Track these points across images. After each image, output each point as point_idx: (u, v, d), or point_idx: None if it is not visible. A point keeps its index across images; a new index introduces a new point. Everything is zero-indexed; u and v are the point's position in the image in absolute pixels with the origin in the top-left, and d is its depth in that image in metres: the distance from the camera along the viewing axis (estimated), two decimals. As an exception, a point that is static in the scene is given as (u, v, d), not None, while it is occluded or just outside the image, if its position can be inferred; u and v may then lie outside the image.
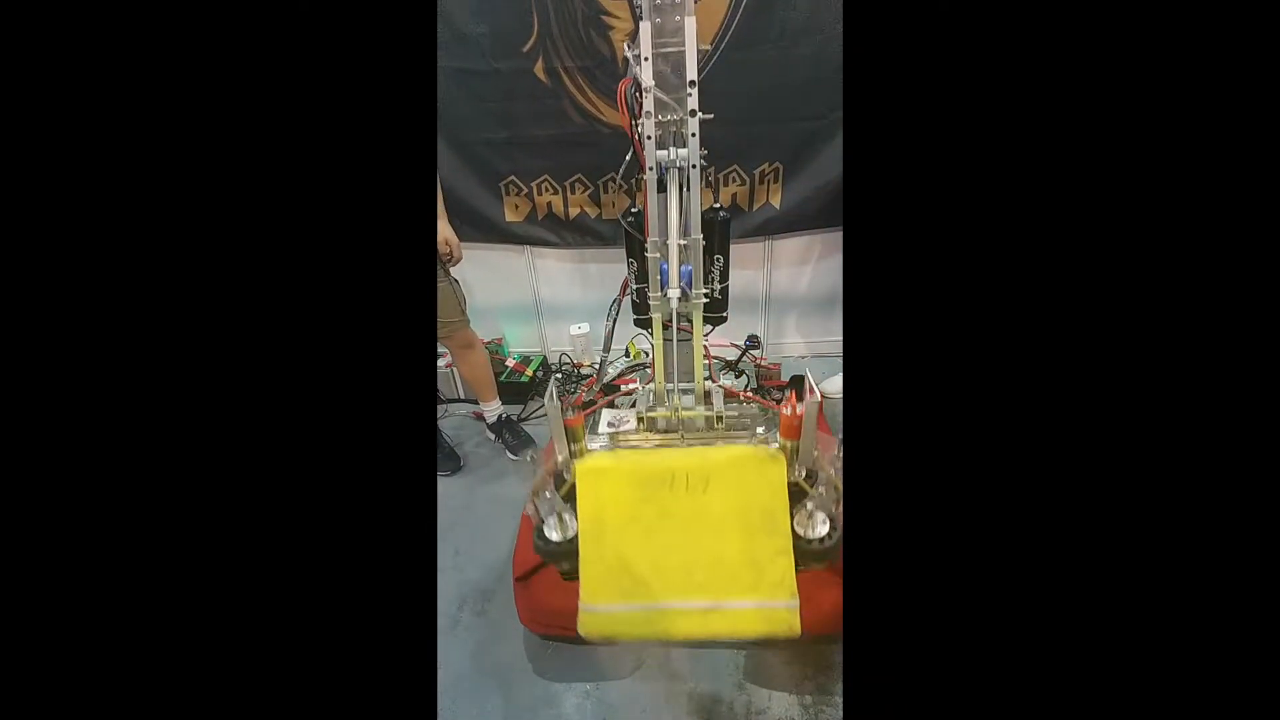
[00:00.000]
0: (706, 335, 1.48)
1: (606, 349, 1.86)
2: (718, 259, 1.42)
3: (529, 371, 2.49)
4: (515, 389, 2.44)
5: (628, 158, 1.33)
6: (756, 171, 2.19)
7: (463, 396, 2.48)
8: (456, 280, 1.94)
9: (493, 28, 2.01)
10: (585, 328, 2.54)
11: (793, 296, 2.47)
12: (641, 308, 1.47)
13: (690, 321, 1.40)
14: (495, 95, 2.11)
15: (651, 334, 1.45)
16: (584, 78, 2.06)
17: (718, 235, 1.39)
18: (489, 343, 2.53)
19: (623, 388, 1.83)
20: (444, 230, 1.88)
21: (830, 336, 2.55)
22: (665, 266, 1.34)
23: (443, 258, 1.88)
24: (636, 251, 1.41)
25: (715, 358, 1.88)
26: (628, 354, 2.39)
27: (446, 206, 2.04)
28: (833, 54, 1.92)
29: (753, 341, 2.04)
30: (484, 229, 2.35)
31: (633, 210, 1.40)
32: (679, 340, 1.44)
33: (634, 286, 1.47)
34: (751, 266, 2.40)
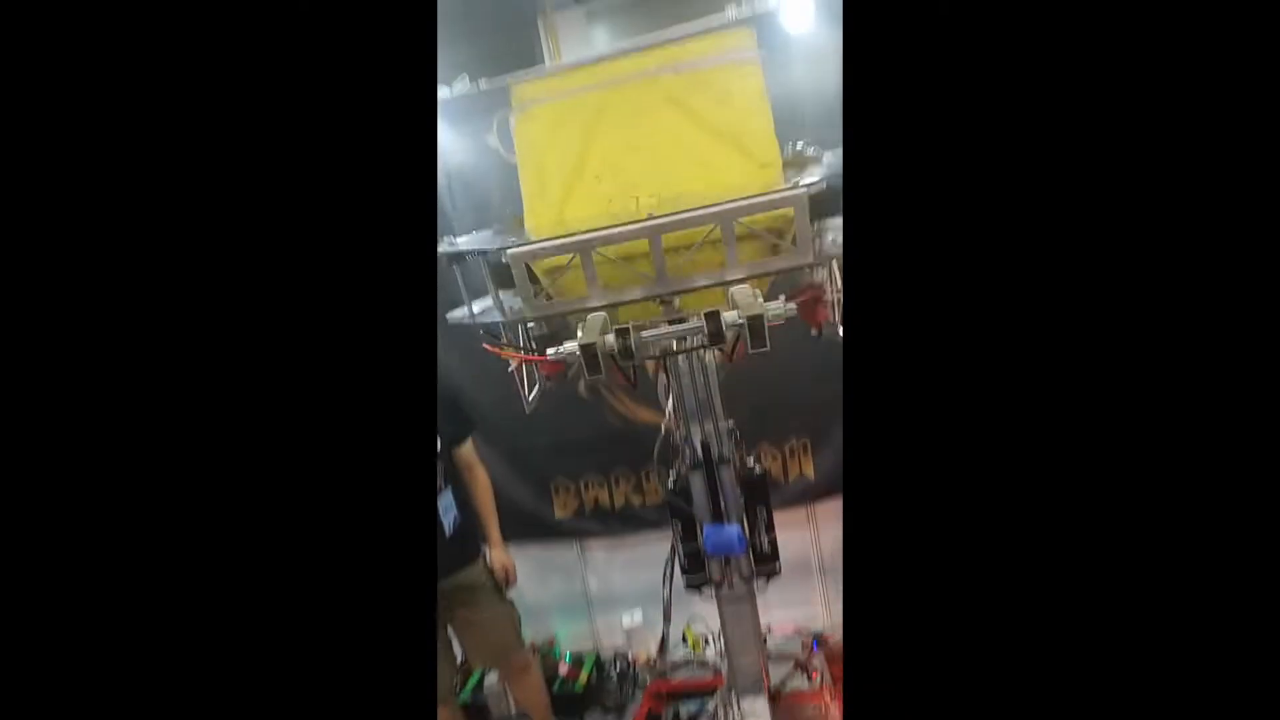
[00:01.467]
0: (762, 591, 1.52)
1: (666, 619, 1.85)
2: (760, 510, 1.54)
3: (583, 677, 2.37)
4: (569, 701, 2.31)
5: (658, 442, 1.56)
6: (786, 447, 2.41)
7: (514, 715, 2.33)
8: (512, 602, 2.03)
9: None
10: (638, 617, 2.50)
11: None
12: (693, 569, 1.54)
13: (742, 575, 1.46)
14: (543, 410, 2.46)
15: (704, 593, 1.50)
16: (619, 389, 2.44)
17: (757, 490, 1.54)
18: (540, 645, 2.47)
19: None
20: (500, 557, 2.04)
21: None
22: (709, 530, 1.47)
23: (499, 583, 2.00)
24: (681, 513, 1.55)
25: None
26: (685, 640, 2.31)
27: (501, 524, 2.17)
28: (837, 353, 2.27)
29: (818, 642, 2.02)
30: (534, 528, 2.50)
31: (674, 481, 1.58)
32: (732, 599, 1.48)
33: (682, 548, 1.56)
34: (800, 530, 2.46)
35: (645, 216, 0.81)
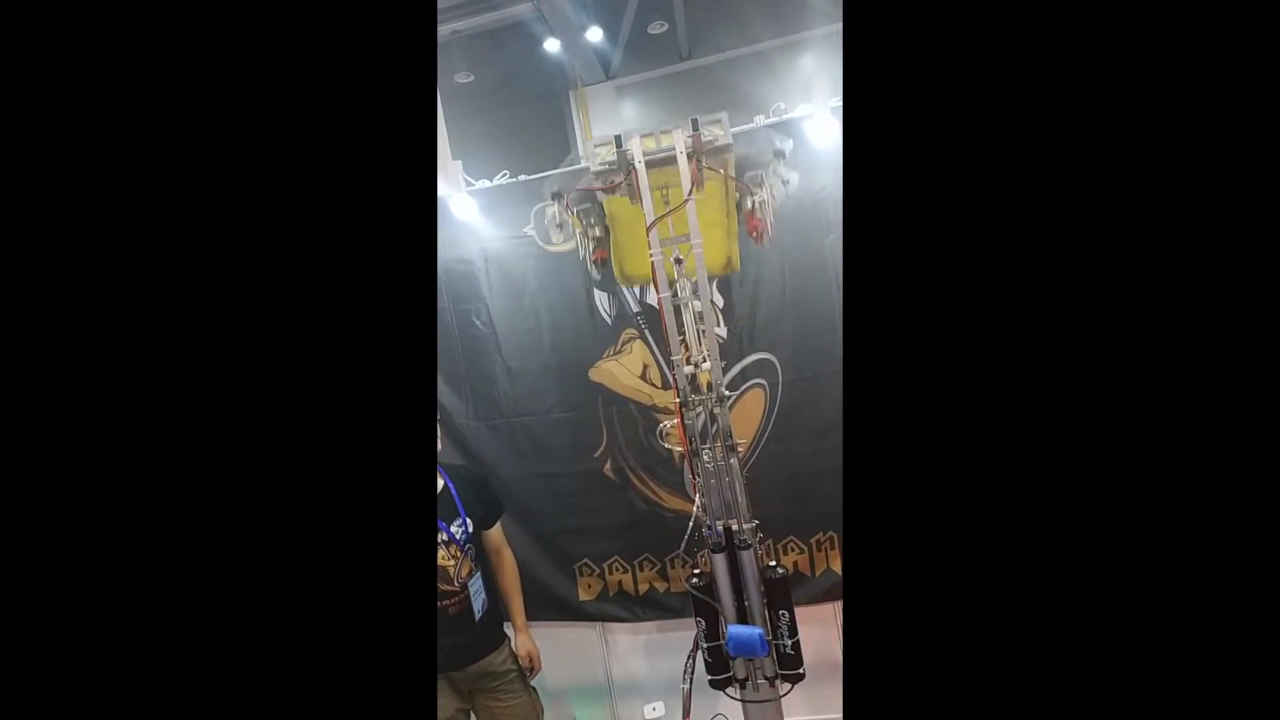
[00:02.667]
0: (786, 694, 1.49)
1: (686, 714, 1.80)
2: (783, 614, 1.52)
3: (602, 772, 2.30)
4: (586, 797, 2.23)
5: (687, 535, 1.58)
6: (812, 540, 2.37)
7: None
8: (535, 690, 2.01)
9: (571, 441, 2.49)
10: (660, 709, 2.43)
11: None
12: (716, 667, 1.52)
13: (769, 679, 1.44)
14: (570, 492, 2.49)
15: (728, 692, 1.47)
16: (646, 474, 2.46)
17: (779, 592, 1.53)
18: (560, 733, 2.42)
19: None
20: (526, 643, 2.04)
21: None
22: (733, 631, 1.46)
23: (524, 670, 1.99)
24: (704, 611, 1.54)
25: None
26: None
27: (527, 602, 2.20)
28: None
29: None
30: (558, 608, 2.48)
31: (696, 573, 1.58)
32: (756, 700, 1.45)
33: (704, 646, 1.55)
34: (826, 627, 2.39)
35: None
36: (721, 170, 1.54)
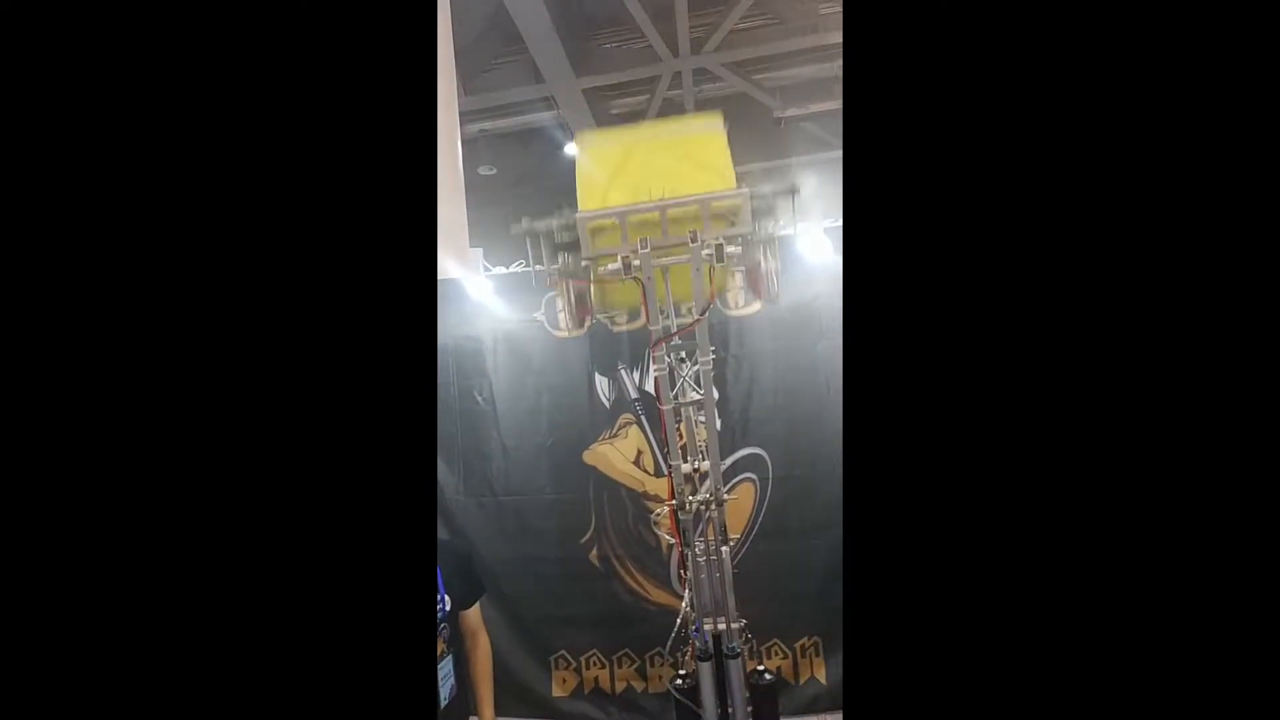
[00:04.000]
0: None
1: None
2: None
3: None
4: None
5: (674, 634, 1.56)
6: (797, 645, 2.32)
7: None
8: None
9: (560, 524, 2.48)
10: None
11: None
12: (694, 775, 1.46)
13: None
14: (554, 577, 2.45)
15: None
16: (632, 564, 2.43)
17: (766, 701, 1.49)
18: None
19: None
20: None
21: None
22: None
23: None
24: (686, 717, 1.50)
25: None
26: None
27: (498, 694, 2.10)
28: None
29: None
30: (529, 703, 2.37)
31: (681, 674, 1.54)
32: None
33: (685, 752, 1.49)
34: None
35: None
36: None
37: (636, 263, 1.31)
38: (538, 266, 1.45)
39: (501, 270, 2.59)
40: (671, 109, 4.41)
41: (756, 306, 2.37)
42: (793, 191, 1.34)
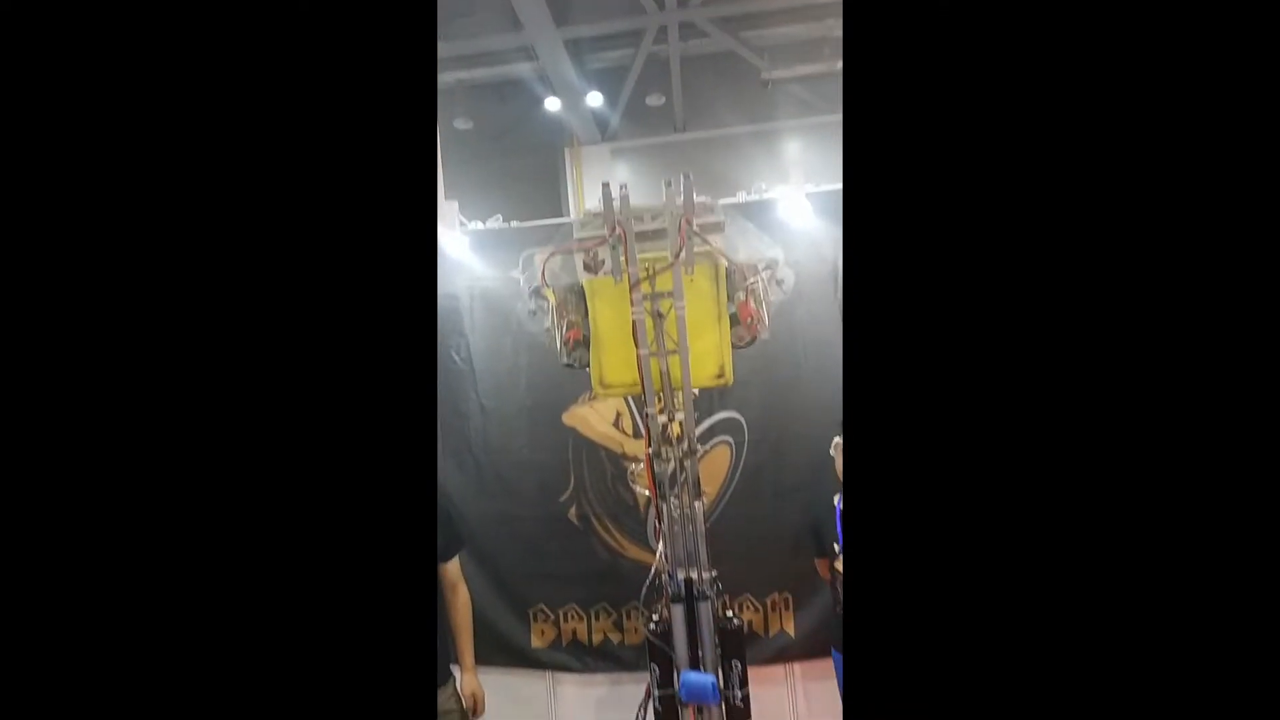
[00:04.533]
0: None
1: None
2: (735, 664, 1.55)
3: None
4: None
5: (648, 582, 1.61)
6: (768, 600, 2.40)
7: None
8: None
9: (539, 483, 2.51)
10: (602, 768, 2.37)
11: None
12: (666, 716, 1.53)
13: (714, 730, 1.45)
14: (533, 535, 2.49)
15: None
16: (610, 521, 2.48)
17: (733, 642, 1.56)
18: (498, 787, 2.33)
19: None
20: (471, 684, 2.00)
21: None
22: (686, 677, 1.48)
23: (466, 711, 1.96)
24: (659, 657, 1.56)
25: None
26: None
27: (478, 645, 2.14)
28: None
29: None
30: (509, 654, 2.44)
31: (654, 619, 1.60)
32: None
33: (656, 693, 1.56)
34: (777, 687, 2.40)
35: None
36: (711, 258, 1.46)
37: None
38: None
39: (478, 225, 2.55)
40: (656, 65, 4.33)
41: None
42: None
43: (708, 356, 1.52)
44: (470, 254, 2.52)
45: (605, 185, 1.41)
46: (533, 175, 4.73)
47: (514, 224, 2.57)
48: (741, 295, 1.52)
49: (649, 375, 1.48)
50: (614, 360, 1.53)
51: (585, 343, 1.55)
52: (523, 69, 4.26)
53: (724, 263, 1.48)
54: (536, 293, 1.54)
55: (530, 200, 4.12)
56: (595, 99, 4.42)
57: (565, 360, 1.59)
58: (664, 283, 1.42)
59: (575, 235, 1.50)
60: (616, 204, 1.38)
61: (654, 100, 4.60)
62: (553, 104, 4.38)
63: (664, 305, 1.46)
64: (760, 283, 1.51)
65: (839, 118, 0.74)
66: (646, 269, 1.42)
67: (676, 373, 1.48)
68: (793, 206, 2.34)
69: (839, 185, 2.30)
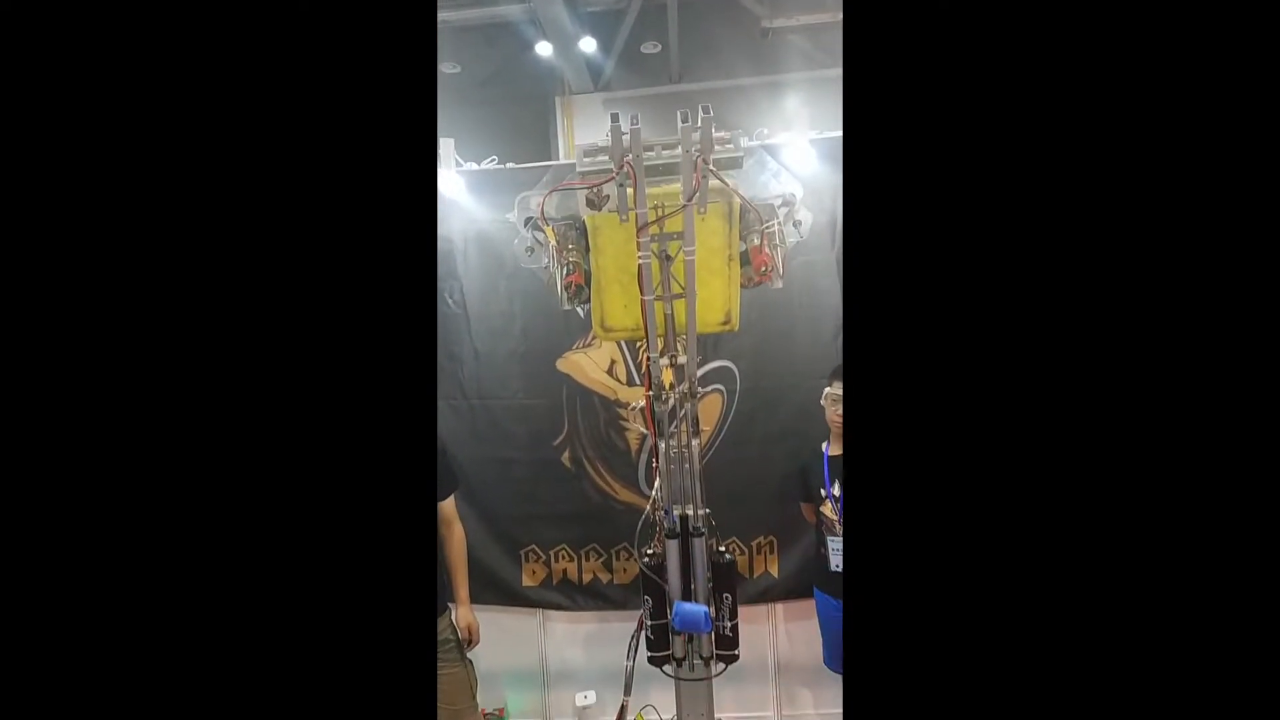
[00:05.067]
0: (719, 673, 1.57)
1: (628, 690, 1.84)
2: (726, 597, 1.61)
3: (527, 755, 2.32)
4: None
5: (641, 521, 1.65)
6: (753, 543, 2.48)
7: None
8: (471, 662, 2.03)
9: (532, 428, 2.53)
10: (591, 697, 2.46)
11: (804, 661, 2.49)
12: (657, 645, 1.59)
13: (705, 659, 1.51)
14: (525, 478, 2.52)
15: (665, 669, 1.54)
16: (603, 465, 2.51)
17: (724, 575, 1.61)
18: (490, 713, 2.42)
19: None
20: (466, 615, 2.05)
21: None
22: (679, 606, 1.53)
23: (462, 641, 2.01)
24: (652, 590, 1.61)
25: None
26: (636, 728, 2.28)
27: (470, 584, 2.18)
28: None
29: None
30: (500, 592, 2.50)
31: (648, 553, 1.65)
32: (691, 679, 1.52)
33: (649, 623, 1.61)
34: (759, 625, 2.49)
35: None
36: (725, 195, 1.37)
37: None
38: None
39: (473, 166, 2.51)
40: (653, 11, 4.20)
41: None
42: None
43: (715, 301, 1.46)
44: (465, 194, 2.48)
45: (615, 116, 1.32)
46: (522, 123, 4.61)
47: (510, 165, 2.53)
48: (756, 239, 1.45)
49: (654, 321, 1.43)
50: (616, 303, 1.48)
51: (587, 283, 1.50)
52: (513, 10, 4.12)
53: (738, 201, 1.40)
54: (534, 225, 1.47)
55: (520, 148, 4.03)
56: (588, 45, 4.29)
57: (565, 305, 1.54)
58: (673, 224, 1.36)
59: (578, 171, 1.41)
60: (626, 139, 1.30)
61: (649, 48, 4.49)
62: (544, 49, 4.25)
63: (672, 248, 1.41)
64: (777, 226, 1.44)
65: (839, 71, 0.72)
66: (655, 208, 1.34)
67: (681, 317, 1.43)
68: (796, 153, 2.32)
69: (838, 133, 2.29)
